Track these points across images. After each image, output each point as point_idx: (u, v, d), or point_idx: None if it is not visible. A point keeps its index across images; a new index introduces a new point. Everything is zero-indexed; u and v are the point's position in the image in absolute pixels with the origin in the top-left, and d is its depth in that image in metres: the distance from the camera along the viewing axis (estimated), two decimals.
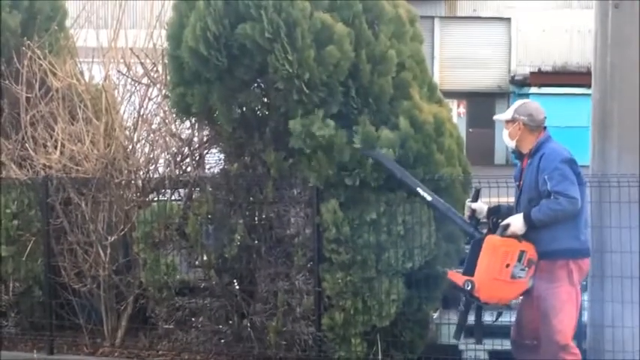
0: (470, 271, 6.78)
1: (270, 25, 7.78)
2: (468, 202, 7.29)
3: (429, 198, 7.60)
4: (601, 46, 7.92)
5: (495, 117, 7.34)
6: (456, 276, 6.90)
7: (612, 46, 7.80)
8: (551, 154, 6.80)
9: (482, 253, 6.73)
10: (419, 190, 7.64)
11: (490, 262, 6.68)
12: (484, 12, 34.34)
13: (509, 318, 8.49)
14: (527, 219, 6.70)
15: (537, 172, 6.78)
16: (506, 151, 29.70)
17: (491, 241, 6.74)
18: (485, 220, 7.21)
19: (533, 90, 31.49)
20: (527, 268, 6.73)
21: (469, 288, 6.68)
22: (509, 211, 7.10)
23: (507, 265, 6.67)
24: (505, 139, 7.15)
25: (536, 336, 6.92)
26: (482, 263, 6.71)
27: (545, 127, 7.03)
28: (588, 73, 9.13)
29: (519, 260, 6.68)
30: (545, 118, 7.06)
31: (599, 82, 7.93)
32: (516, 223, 6.74)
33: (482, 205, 7.21)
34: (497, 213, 7.09)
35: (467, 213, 7.27)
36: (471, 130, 32.28)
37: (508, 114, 7.08)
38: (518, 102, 7.20)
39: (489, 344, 8.41)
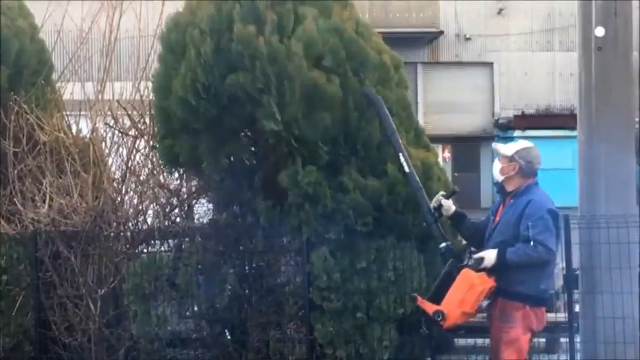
0: (437, 297, 6.92)
1: (263, 76, 7.81)
2: (441, 195, 7.40)
3: (406, 169, 7.71)
4: (585, 89, 8.00)
5: (497, 146, 7.33)
6: (426, 304, 6.96)
7: (596, 89, 7.88)
8: (538, 202, 6.91)
9: (457, 287, 6.84)
10: (400, 156, 7.74)
11: (465, 298, 6.81)
12: (466, 57, 34.48)
13: None
14: (502, 257, 6.80)
15: (521, 216, 6.87)
16: (492, 193, 29.74)
17: (469, 277, 6.84)
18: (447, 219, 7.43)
19: (518, 133, 31.46)
20: (489, 299, 6.98)
21: (439, 319, 6.82)
22: (473, 228, 7.33)
23: (478, 301, 6.87)
24: (495, 172, 7.18)
25: None
26: (456, 296, 6.83)
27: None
28: (572, 115, 9.22)
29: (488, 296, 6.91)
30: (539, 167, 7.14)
31: (585, 124, 8.01)
32: (490, 258, 6.85)
33: (451, 204, 7.36)
34: (462, 220, 7.33)
35: (434, 204, 7.40)
36: (456, 174, 32.26)
37: (509, 151, 7.12)
38: (522, 144, 7.25)
39: None
